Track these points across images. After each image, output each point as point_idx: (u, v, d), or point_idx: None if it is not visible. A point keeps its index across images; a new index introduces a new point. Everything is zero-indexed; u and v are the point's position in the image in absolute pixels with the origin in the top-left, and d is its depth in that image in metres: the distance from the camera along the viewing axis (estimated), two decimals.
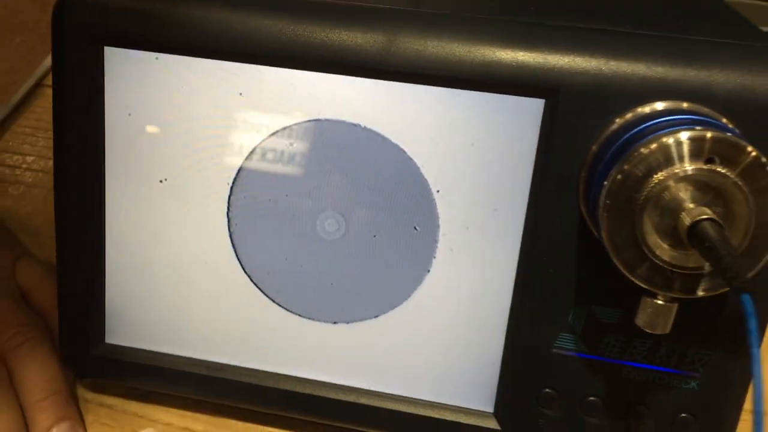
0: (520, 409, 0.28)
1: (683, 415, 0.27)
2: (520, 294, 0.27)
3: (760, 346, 0.17)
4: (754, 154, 0.21)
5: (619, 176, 0.21)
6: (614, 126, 0.24)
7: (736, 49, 0.25)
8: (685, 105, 0.24)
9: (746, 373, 0.27)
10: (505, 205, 0.27)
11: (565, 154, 0.25)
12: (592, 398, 0.27)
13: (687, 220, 0.20)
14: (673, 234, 0.21)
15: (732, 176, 0.20)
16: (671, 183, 0.21)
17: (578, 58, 0.25)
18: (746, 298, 0.17)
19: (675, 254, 0.21)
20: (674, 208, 0.21)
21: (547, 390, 0.28)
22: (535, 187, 0.26)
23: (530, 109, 0.26)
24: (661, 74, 0.24)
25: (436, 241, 0.28)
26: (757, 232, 0.21)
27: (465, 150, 0.27)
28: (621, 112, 0.24)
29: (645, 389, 0.27)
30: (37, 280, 0.34)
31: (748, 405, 0.33)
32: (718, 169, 0.20)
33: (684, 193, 0.21)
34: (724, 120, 0.24)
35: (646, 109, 0.24)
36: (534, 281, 0.27)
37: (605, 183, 0.22)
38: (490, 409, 0.29)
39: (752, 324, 0.16)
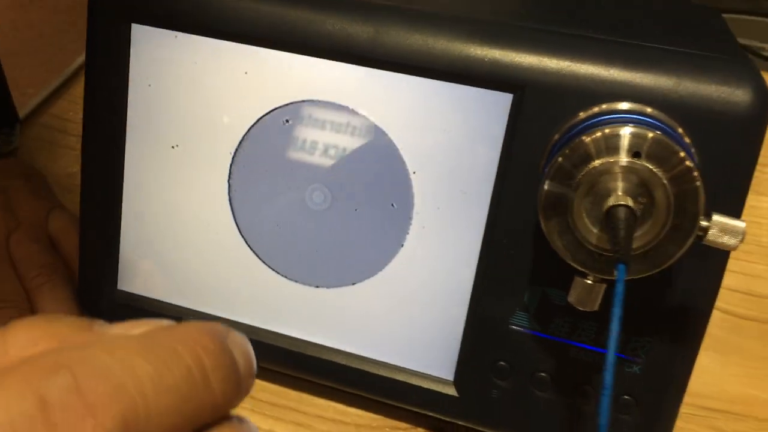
0: (476, 378, 0.31)
1: (626, 397, 0.29)
2: (482, 272, 0.30)
3: (621, 308, 0.19)
4: (686, 161, 0.23)
5: (560, 159, 0.24)
6: (574, 120, 0.27)
7: (693, 59, 0.26)
8: (636, 106, 0.26)
9: (688, 360, 0.28)
10: (473, 189, 0.29)
11: (527, 145, 0.27)
12: (542, 374, 0.30)
13: (608, 204, 0.22)
14: (601, 219, 0.23)
15: (660, 175, 0.22)
16: (604, 171, 0.23)
17: (544, 59, 0.27)
18: (621, 267, 0.19)
19: (602, 238, 0.23)
20: (604, 195, 0.23)
21: (502, 363, 0.30)
22: (500, 174, 0.28)
23: (499, 103, 0.28)
24: (618, 77, 0.26)
25: (410, 218, 0.30)
26: (671, 233, 0.23)
27: (440, 136, 0.29)
28: (580, 109, 0.27)
29: (591, 370, 0.29)
30: (65, 230, 0.37)
31: (702, 401, 0.35)
32: (648, 165, 0.23)
33: (615, 183, 0.23)
34: (676, 125, 0.26)
35: (603, 106, 0.26)
36: (495, 261, 0.29)
37: (547, 168, 0.24)
38: (450, 377, 0.31)
39: (619, 288, 0.19)
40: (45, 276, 0.35)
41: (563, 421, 0.30)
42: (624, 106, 0.26)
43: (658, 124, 0.25)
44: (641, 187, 0.23)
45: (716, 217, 0.23)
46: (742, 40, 0.47)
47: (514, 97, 0.28)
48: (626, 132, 0.23)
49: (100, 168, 0.33)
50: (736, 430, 0.33)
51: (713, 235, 0.22)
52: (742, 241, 0.23)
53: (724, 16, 0.46)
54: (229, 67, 0.31)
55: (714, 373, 0.35)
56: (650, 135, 0.23)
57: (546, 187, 0.24)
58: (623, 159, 0.23)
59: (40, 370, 0.13)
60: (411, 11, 0.29)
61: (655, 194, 0.23)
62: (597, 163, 0.23)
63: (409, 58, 0.28)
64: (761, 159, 0.45)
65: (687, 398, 0.34)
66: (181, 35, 0.31)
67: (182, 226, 0.33)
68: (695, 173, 0.23)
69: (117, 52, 0.32)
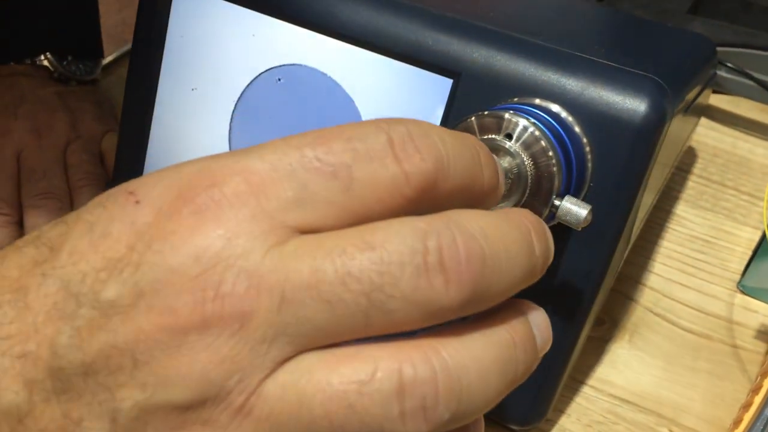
0: None
1: None
2: None
3: None
4: (549, 150, 0.27)
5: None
6: (493, 107, 0.31)
7: (605, 70, 0.30)
8: (543, 102, 0.30)
9: (571, 336, 0.32)
10: None
11: (457, 125, 0.32)
12: None
13: None
14: None
15: (524, 155, 0.27)
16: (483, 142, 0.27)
17: (478, 52, 0.31)
18: None
19: None
20: None
21: None
22: None
23: (442, 86, 0.33)
24: (535, 75, 0.30)
25: None
26: (530, 206, 0.27)
27: (393, 108, 0.34)
28: (501, 99, 0.31)
29: None
30: (112, 149, 0.45)
31: (612, 389, 0.38)
32: (512, 145, 0.27)
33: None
34: (575, 123, 0.29)
35: (516, 99, 0.30)
36: None
37: None
38: None
39: None
40: (87, 180, 0.43)
41: None
42: (535, 100, 0.30)
43: (548, 119, 0.28)
44: (512, 163, 0.27)
45: (566, 201, 0.26)
46: (758, 76, 0.49)
47: (453, 83, 0.32)
48: (508, 117, 0.27)
49: (137, 100, 0.41)
50: (634, 420, 0.36)
51: (561, 213, 0.26)
52: (584, 224, 0.26)
53: (741, 51, 0.48)
54: (241, 29, 0.37)
55: (635, 370, 0.38)
56: (524, 123, 0.27)
57: None
58: (497, 137, 0.27)
59: (386, 121, 0.19)
60: (382, 3, 0.34)
61: (519, 171, 0.27)
62: (481, 138, 0.27)
63: (375, 38, 0.34)
64: (746, 189, 0.47)
65: (598, 384, 0.38)
66: None
67: (191, 155, 0.40)
68: (554, 161, 0.26)
69: (161, 9, 0.39)
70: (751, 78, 0.48)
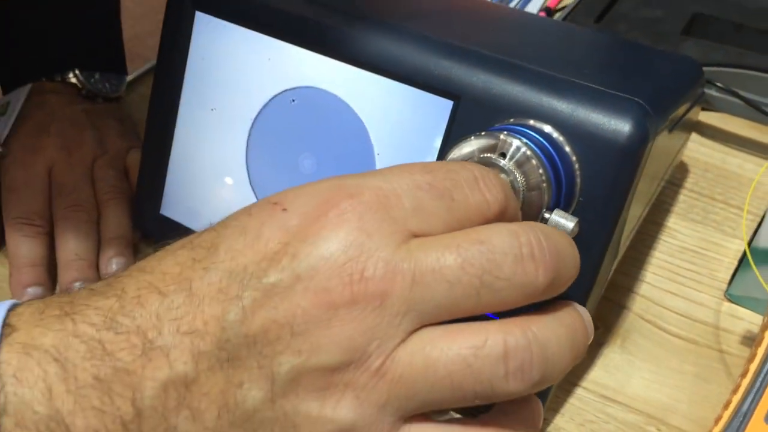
0: None
1: None
2: None
3: None
4: (540, 168, 0.29)
5: (449, 156, 0.31)
6: (490, 128, 0.33)
7: (594, 94, 0.33)
8: (537, 123, 0.33)
9: None
10: None
11: (457, 144, 0.35)
12: None
13: None
14: None
15: (516, 173, 0.29)
16: (484, 162, 0.30)
17: (477, 76, 0.34)
18: None
19: None
20: None
21: None
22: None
23: (444, 107, 0.35)
24: (529, 98, 0.33)
25: None
26: (523, 211, 0.29)
27: (399, 127, 0.37)
28: (498, 120, 0.33)
29: None
30: (136, 165, 0.48)
31: (604, 390, 0.40)
32: (506, 163, 0.29)
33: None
34: (565, 143, 0.32)
35: (512, 120, 0.33)
36: None
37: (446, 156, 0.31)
38: None
39: None
40: (113, 194, 0.46)
41: None
42: (529, 121, 0.33)
43: (540, 139, 0.31)
44: (506, 179, 0.30)
45: (555, 215, 0.29)
46: (745, 94, 0.51)
47: (453, 104, 0.35)
48: (503, 138, 0.30)
49: (160, 119, 0.44)
50: (625, 420, 0.38)
51: (550, 225, 0.29)
52: (571, 234, 0.29)
53: (731, 70, 0.50)
54: (258, 53, 0.40)
55: (625, 372, 0.41)
56: (516, 143, 0.29)
57: None
58: (493, 156, 0.30)
59: (470, 163, 0.27)
60: (391, 27, 0.37)
61: (513, 186, 0.29)
62: (478, 157, 0.30)
63: (383, 62, 0.36)
64: (735, 202, 0.49)
65: (591, 386, 0.40)
66: (230, 24, 0.41)
67: (209, 172, 0.43)
68: (543, 178, 0.29)
69: (183, 32, 0.42)
70: (739, 96, 0.50)
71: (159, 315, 0.22)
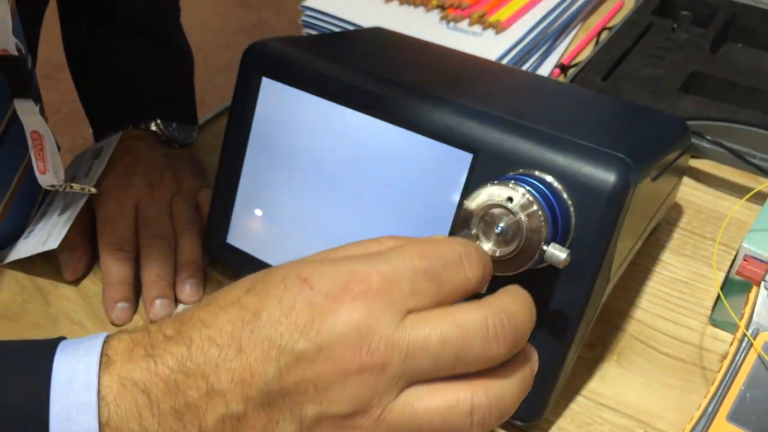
0: None
1: None
2: None
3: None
4: (539, 210, 0.37)
5: (467, 199, 0.39)
6: (503, 177, 0.41)
7: (586, 150, 0.40)
8: (541, 174, 0.40)
9: (560, 352, 0.42)
10: (440, 213, 0.45)
11: (475, 190, 0.43)
12: None
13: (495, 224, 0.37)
14: (488, 236, 0.38)
15: (520, 213, 0.37)
16: (493, 206, 0.38)
17: (493, 134, 0.42)
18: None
19: (485, 247, 0.38)
20: (489, 222, 0.38)
21: None
22: (458, 208, 0.44)
23: (465, 159, 0.43)
24: (535, 153, 0.41)
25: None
26: (525, 248, 0.37)
27: (430, 175, 0.45)
28: (510, 170, 0.41)
29: None
30: (207, 202, 0.57)
31: (600, 398, 0.47)
32: (511, 206, 0.37)
33: (497, 214, 0.38)
34: (563, 190, 0.40)
35: (521, 170, 0.41)
36: None
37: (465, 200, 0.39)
38: None
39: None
40: (187, 226, 0.55)
41: None
42: (534, 172, 0.41)
43: (542, 187, 0.39)
44: (512, 220, 0.37)
45: (551, 248, 0.37)
46: (732, 145, 0.58)
47: (473, 157, 0.43)
48: (511, 186, 0.38)
49: (229, 165, 0.52)
50: (617, 423, 0.45)
51: (547, 256, 0.36)
52: (564, 263, 0.36)
53: (724, 124, 0.58)
54: (313, 113, 0.49)
55: (619, 383, 0.48)
56: (522, 190, 0.37)
57: (461, 212, 0.39)
58: (502, 201, 0.37)
59: (458, 241, 0.33)
60: (425, 93, 0.45)
61: (518, 225, 0.37)
62: (491, 201, 0.38)
63: (417, 121, 0.45)
64: (723, 240, 0.56)
65: (590, 395, 0.47)
66: (289, 88, 0.49)
67: (267, 210, 0.51)
68: (542, 219, 0.37)
69: (252, 93, 0.51)
70: (725, 148, 0.58)
71: (218, 364, 0.29)
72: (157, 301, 0.51)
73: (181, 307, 0.53)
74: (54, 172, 0.50)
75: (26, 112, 0.48)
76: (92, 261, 0.56)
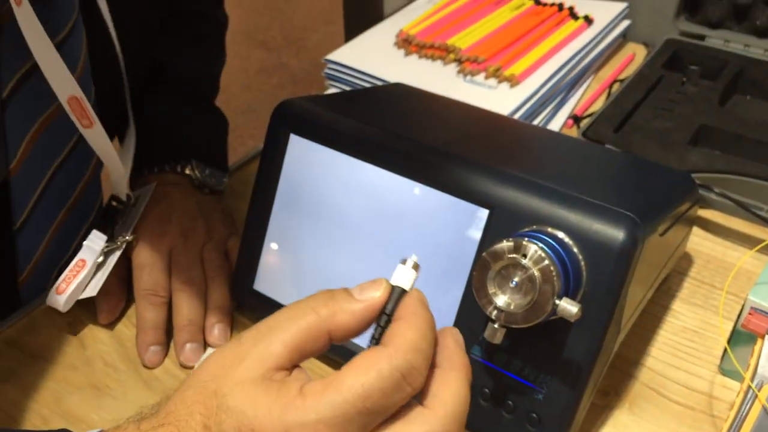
0: None
1: (533, 415, 0.45)
2: (459, 321, 0.47)
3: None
4: (551, 266, 0.39)
5: (484, 254, 0.41)
6: (518, 233, 0.44)
7: (596, 208, 0.43)
8: (553, 230, 0.43)
9: (576, 394, 0.44)
10: (457, 266, 0.47)
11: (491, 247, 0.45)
12: (486, 389, 0.46)
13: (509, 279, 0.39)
14: (504, 289, 0.40)
15: (533, 269, 0.39)
16: (509, 263, 0.40)
17: (508, 192, 0.45)
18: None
19: (501, 300, 0.40)
20: (505, 276, 0.40)
21: None
22: (475, 262, 0.46)
23: (481, 215, 0.46)
24: (548, 211, 0.43)
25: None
26: (538, 302, 0.39)
27: (448, 229, 0.48)
28: (524, 226, 0.44)
29: (512, 391, 0.45)
30: (236, 249, 0.59)
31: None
32: (525, 262, 0.40)
33: (511, 268, 0.40)
34: (573, 245, 0.42)
35: (534, 227, 0.43)
36: (466, 314, 0.46)
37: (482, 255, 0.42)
38: None
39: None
40: (217, 272, 0.58)
41: (496, 422, 0.46)
42: (547, 228, 0.43)
43: (554, 243, 0.41)
44: (525, 275, 0.40)
45: (563, 302, 0.39)
46: (738, 197, 0.60)
47: (489, 213, 0.46)
48: (524, 243, 0.40)
49: (256, 216, 0.55)
50: None
51: (559, 310, 0.39)
52: (576, 317, 0.39)
53: (732, 177, 0.60)
54: (337, 168, 0.52)
55: (631, 430, 0.49)
56: (534, 247, 0.40)
57: (475, 271, 0.41)
58: (516, 256, 0.40)
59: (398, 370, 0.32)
60: (445, 153, 0.48)
61: (531, 280, 0.39)
62: (506, 256, 0.40)
63: (436, 178, 0.48)
64: (732, 290, 0.58)
65: None
66: (315, 144, 0.53)
67: (291, 259, 0.54)
68: (554, 274, 0.39)
69: (280, 148, 0.54)
70: (732, 200, 0.60)
71: None
72: (188, 345, 0.54)
73: (209, 350, 0.56)
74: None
75: (95, 241, 0.55)
76: (126, 305, 0.59)
